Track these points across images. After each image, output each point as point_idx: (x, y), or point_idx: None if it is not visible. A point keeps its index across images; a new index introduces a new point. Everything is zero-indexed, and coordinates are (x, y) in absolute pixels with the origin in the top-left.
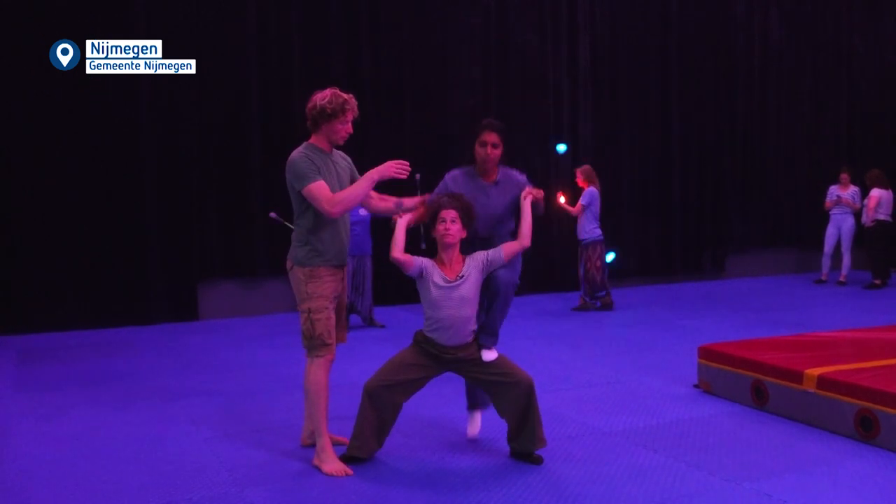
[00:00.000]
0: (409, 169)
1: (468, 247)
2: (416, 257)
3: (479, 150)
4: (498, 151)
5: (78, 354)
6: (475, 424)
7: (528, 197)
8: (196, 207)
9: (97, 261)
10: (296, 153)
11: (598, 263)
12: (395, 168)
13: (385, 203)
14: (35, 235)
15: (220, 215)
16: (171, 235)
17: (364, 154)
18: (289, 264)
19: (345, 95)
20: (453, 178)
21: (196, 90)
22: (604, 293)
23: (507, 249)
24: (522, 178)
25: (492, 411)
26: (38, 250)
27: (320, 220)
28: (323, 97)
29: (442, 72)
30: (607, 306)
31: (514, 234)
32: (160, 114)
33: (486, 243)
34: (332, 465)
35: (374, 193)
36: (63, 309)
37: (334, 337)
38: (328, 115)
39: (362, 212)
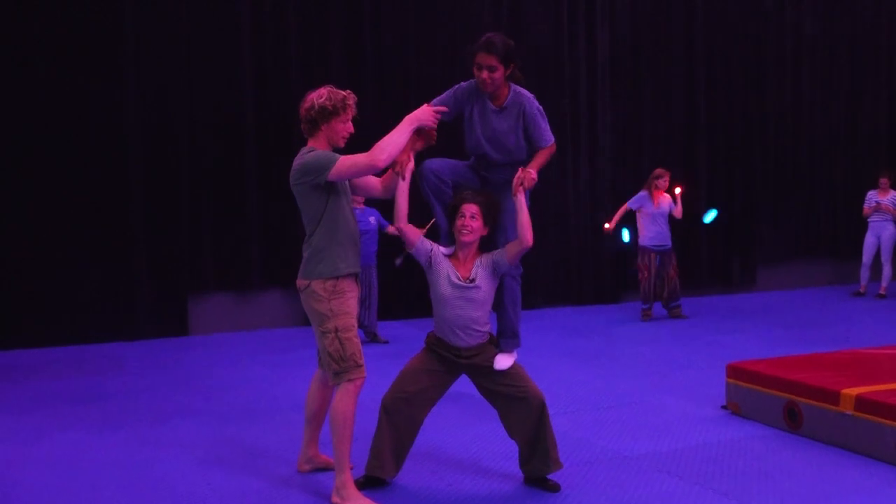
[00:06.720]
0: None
1: (483, 168)
2: (423, 237)
3: (475, 73)
4: (497, 74)
5: (59, 372)
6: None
7: (519, 190)
8: (186, 213)
9: (79, 271)
10: (301, 155)
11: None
12: (431, 114)
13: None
14: (11, 243)
15: (213, 222)
16: (160, 243)
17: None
18: (302, 283)
19: (343, 92)
20: (460, 91)
21: (187, 87)
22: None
23: (509, 253)
24: (531, 103)
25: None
26: (14, 259)
27: (336, 225)
28: (320, 95)
29: (449, 66)
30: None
31: (527, 162)
32: (148, 113)
33: (503, 170)
34: (358, 502)
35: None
36: (43, 323)
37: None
38: (329, 114)
39: (372, 219)
